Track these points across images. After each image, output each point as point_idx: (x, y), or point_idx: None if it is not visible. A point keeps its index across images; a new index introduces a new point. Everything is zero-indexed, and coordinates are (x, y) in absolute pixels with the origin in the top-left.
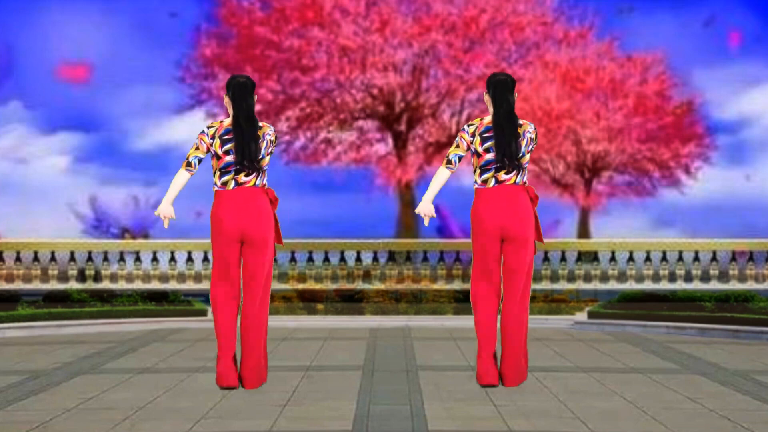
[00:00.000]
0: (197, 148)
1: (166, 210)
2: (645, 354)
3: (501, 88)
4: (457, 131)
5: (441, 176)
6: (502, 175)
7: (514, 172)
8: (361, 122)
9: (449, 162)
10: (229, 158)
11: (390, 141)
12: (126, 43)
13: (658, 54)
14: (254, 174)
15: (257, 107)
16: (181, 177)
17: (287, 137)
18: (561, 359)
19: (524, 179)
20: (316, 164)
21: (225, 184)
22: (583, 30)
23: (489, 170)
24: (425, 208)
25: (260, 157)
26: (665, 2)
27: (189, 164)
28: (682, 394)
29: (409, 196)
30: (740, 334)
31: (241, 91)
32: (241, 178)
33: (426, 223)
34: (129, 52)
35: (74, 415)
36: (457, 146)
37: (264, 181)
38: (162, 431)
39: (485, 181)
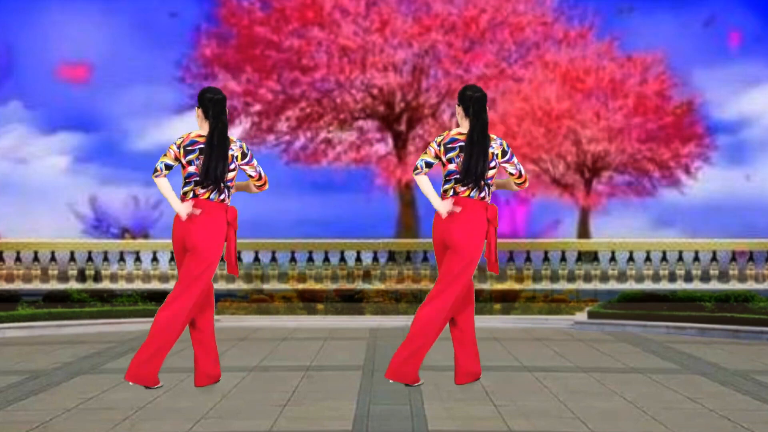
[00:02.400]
0: (165, 155)
1: (187, 206)
2: (645, 354)
3: (478, 104)
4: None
5: (422, 182)
6: (459, 187)
7: (473, 187)
8: (361, 122)
9: (416, 168)
10: (191, 169)
11: (390, 141)
12: (126, 43)
13: (658, 54)
14: (216, 190)
15: (257, 107)
16: (163, 182)
17: (287, 137)
18: (561, 359)
19: (484, 195)
20: (316, 164)
21: (185, 194)
22: (583, 30)
23: (449, 181)
24: (445, 206)
25: (225, 174)
26: (665, 2)
27: (156, 170)
28: (682, 394)
29: (409, 196)
30: (740, 334)
31: (218, 108)
32: (199, 190)
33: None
34: (129, 52)
35: (74, 415)
36: (425, 153)
37: (224, 197)
38: (162, 431)
39: (445, 192)
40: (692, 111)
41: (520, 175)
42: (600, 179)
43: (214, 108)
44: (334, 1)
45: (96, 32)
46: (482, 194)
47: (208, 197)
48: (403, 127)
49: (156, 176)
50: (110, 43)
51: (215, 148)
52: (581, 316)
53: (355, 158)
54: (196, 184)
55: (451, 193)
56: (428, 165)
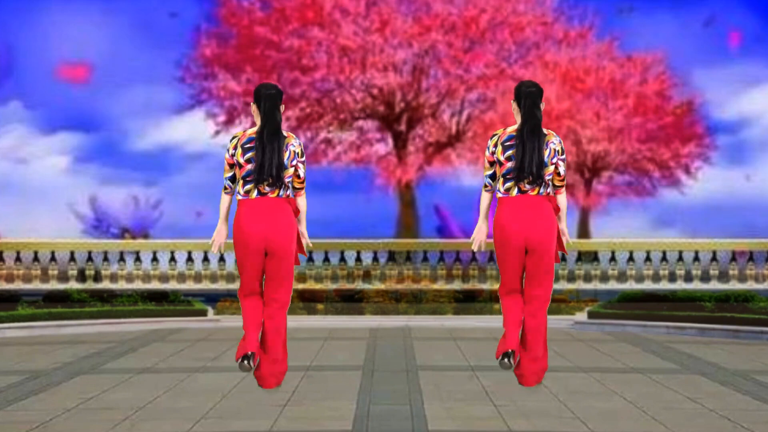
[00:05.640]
0: (226, 170)
1: (220, 235)
2: (645, 354)
3: (530, 99)
4: (458, 131)
5: (485, 201)
6: (524, 185)
7: (537, 183)
8: (361, 122)
9: (485, 186)
10: (251, 167)
11: (390, 141)
12: (126, 43)
13: (658, 54)
14: (277, 186)
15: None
16: (225, 201)
17: None
18: (561, 359)
19: (548, 190)
20: (316, 164)
21: (248, 192)
22: (583, 30)
23: (510, 179)
24: (479, 235)
25: (283, 170)
26: (665, 2)
27: (225, 188)
28: (682, 394)
29: (409, 196)
30: (740, 334)
31: (270, 104)
32: (264, 188)
33: (475, 248)
34: (129, 52)
35: (74, 415)
36: (485, 168)
37: (288, 192)
38: (162, 431)
39: (508, 190)
40: (692, 111)
41: (562, 177)
42: (600, 179)
43: (266, 103)
44: (334, 1)
45: (96, 32)
46: (548, 190)
47: (277, 195)
48: (403, 127)
49: (226, 192)
50: (110, 43)
51: (266, 144)
52: (581, 316)
53: (355, 158)
54: (257, 182)
55: (515, 191)
56: (493, 178)
